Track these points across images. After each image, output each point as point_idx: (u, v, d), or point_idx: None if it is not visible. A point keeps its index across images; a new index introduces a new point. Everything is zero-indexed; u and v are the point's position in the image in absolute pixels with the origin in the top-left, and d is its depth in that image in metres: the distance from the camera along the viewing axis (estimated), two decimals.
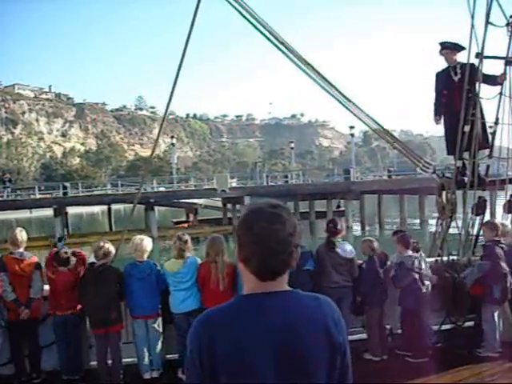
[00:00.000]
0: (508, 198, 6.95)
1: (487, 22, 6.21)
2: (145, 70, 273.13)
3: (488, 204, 6.86)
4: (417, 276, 5.56)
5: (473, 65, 6.42)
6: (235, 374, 1.51)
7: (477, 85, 6.43)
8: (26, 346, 5.41)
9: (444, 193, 6.72)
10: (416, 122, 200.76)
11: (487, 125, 6.71)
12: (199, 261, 5.46)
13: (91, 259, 5.48)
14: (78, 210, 47.95)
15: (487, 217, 6.73)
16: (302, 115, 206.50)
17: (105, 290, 5.23)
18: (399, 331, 5.92)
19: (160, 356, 5.50)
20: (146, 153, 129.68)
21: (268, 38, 5.97)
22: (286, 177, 47.48)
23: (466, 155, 6.64)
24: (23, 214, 46.94)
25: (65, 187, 37.48)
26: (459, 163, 6.62)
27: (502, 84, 6.45)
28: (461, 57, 6.64)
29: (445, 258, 6.36)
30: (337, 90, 6.35)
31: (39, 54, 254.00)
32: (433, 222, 16.69)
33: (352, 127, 50.77)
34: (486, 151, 6.79)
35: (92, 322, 5.36)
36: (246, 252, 1.57)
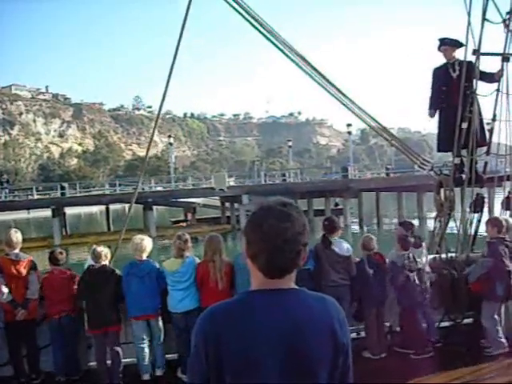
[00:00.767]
0: (506, 195, 6.96)
1: (484, 19, 6.21)
2: (143, 70, 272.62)
3: (486, 201, 6.86)
4: (410, 274, 5.56)
5: (470, 62, 6.42)
6: (240, 371, 1.51)
7: (474, 82, 6.42)
8: (24, 347, 5.40)
9: (442, 190, 6.71)
10: (414, 119, 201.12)
11: (485, 122, 6.70)
12: (197, 260, 5.45)
13: (89, 261, 5.49)
14: (76, 210, 47.98)
15: (485, 214, 6.73)
16: (299, 113, 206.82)
17: (103, 292, 5.23)
18: (398, 329, 5.92)
19: (163, 354, 5.50)
20: (143, 153, 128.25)
21: (266, 36, 5.96)
22: (284, 175, 47.35)
23: (463, 152, 6.63)
24: (21, 215, 46.96)
25: (63, 188, 37.31)
26: (457, 160, 6.62)
27: (499, 81, 6.44)
28: (458, 53, 6.64)
29: (443, 256, 6.36)
30: (335, 87, 6.34)
31: (37, 54, 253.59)
32: (431, 219, 16.70)
33: (349, 125, 50.88)
34: (484, 148, 6.79)
35: (91, 322, 5.35)
36: (255, 249, 1.57)
